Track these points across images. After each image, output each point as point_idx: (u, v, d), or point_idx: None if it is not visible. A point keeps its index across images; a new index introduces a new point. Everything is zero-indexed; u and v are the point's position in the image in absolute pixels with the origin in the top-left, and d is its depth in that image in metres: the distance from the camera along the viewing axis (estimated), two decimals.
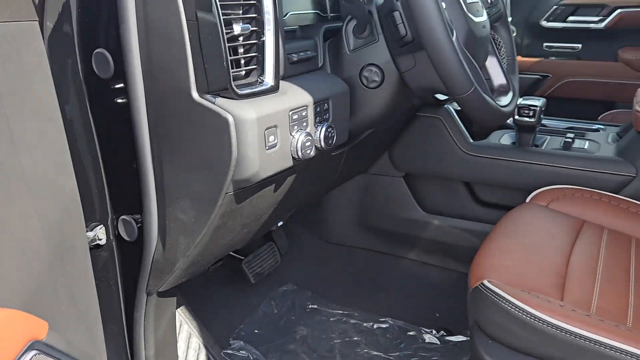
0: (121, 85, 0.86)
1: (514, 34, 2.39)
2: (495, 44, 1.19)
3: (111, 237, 0.97)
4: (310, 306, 1.58)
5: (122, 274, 1.00)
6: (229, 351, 1.38)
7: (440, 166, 1.50)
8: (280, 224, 1.36)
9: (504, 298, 0.85)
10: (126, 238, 0.97)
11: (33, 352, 0.56)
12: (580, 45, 2.39)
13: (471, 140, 1.45)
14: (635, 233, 1.15)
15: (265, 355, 1.39)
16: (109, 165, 0.93)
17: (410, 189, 1.59)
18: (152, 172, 0.89)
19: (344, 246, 1.75)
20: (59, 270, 0.77)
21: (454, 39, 0.89)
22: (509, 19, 2.25)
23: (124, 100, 0.87)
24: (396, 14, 0.95)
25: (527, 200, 1.26)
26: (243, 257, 1.46)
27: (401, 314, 1.51)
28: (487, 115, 0.94)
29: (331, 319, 1.53)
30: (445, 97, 1.45)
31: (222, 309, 1.47)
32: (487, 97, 0.92)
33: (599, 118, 2.08)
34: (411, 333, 1.46)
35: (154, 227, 0.93)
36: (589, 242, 1.08)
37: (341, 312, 1.55)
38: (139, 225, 0.95)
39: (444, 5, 0.90)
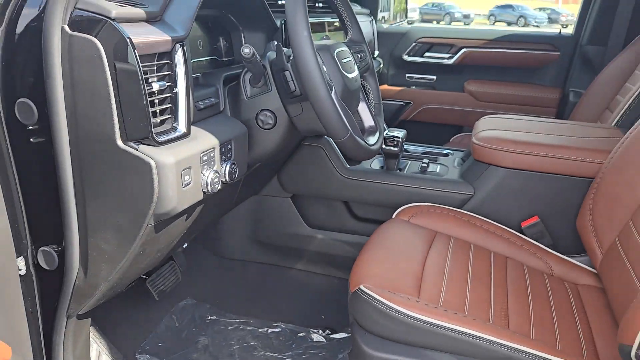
0: (43, 130, 0.96)
1: (381, 66, 2.74)
2: (365, 91, 1.45)
3: (30, 268, 1.06)
4: (209, 317, 1.73)
5: (41, 301, 1.08)
6: None
7: (322, 187, 1.73)
8: (185, 245, 1.50)
9: (376, 299, 1.09)
10: (46, 267, 1.06)
11: None
12: (435, 77, 2.80)
13: (347, 165, 1.70)
14: (474, 240, 1.47)
15: None
16: (29, 200, 1.02)
17: (296, 207, 1.81)
18: (75, 208, 1.00)
19: (238, 261, 1.92)
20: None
21: (333, 94, 1.12)
22: (376, 53, 2.58)
23: (45, 144, 0.97)
24: (287, 73, 1.16)
25: (393, 216, 1.53)
26: (147, 277, 1.57)
27: (291, 319, 1.72)
28: (359, 153, 1.18)
29: (229, 328, 1.69)
30: None
31: (127, 326, 1.56)
32: (359, 140, 1.16)
33: (450, 140, 2.47)
34: (301, 334, 1.67)
35: (75, 256, 1.04)
36: (439, 249, 1.37)
37: (238, 320, 1.72)
38: (58, 255, 1.05)
39: (324, 68, 1.13)
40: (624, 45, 2.25)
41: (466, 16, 24.84)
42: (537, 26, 23.22)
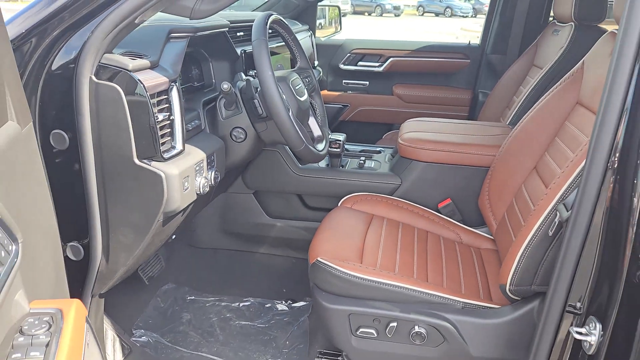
0: (72, 153, 1.25)
1: (321, 74, 3.12)
2: (313, 108, 1.82)
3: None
4: (189, 298, 2.06)
5: (70, 284, 1.38)
6: (135, 338, 1.80)
7: (279, 184, 2.09)
8: (174, 236, 1.81)
9: (330, 266, 1.46)
10: (73, 258, 1.36)
11: (87, 325, 0.99)
12: (367, 82, 3.21)
13: (299, 165, 2.07)
14: (402, 219, 1.88)
15: (162, 337, 1.84)
16: (58, 206, 1.31)
17: (258, 201, 2.17)
18: (98, 211, 1.31)
19: (210, 249, 2.25)
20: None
21: (290, 114, 1.48)
22: (316, 62, 2.96)
23: (72, 163, 1.26)
24: (255, 101, 1.51)
25: (339, 204, 1.91)
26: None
27: (259, 294, 2.08)
28: (311, 158, 1.55)
29: (207, 305, 2.03)
30: None
31: (123, 307, 1.87)
32: (312, 148, 1.53)
33: (383, 137, 2.88)
34: (268, 305, 2.03)
35: (98, 249, 1.34)
36: (375, 228, 1.77)
37: (214, 298, 2.06)
38: (84, 247, 1.36)
39: (284, 96, 1.49)
40: (519, 54, 2.74)
41: (396, 7, 25.64)
42: (464, 16, 24.35)
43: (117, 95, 1.20)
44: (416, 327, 1.41)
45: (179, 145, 1.34)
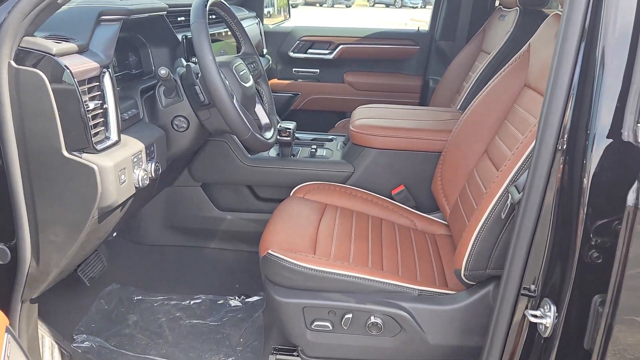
0: None
1: (270, 62, 3.03)
2: (260, 95, 1.74)
3: None
4: (135, 298, 1.95)
5: None
6: (76, 344, 1.69)
7: (227, 175, 2.01)
8: (114, 234, 1.71)
9: (282, 259, 1.40)
10: None
11: (8, 335, 0.90)
12: (318, 70, 3.15)
13: (248, 155, 1.99)
14: (355, 208, 1.84)
15: (107, 341, 1.73)
16: None
17: (206, 194, 2.08)
18: (25, 210, 1.20)
19: (157, 246, 2.15)
20: None
21: (234, 101, 1.40)
22: (265, 50, 2.87)
23: None
24: (197, 87, 1.42)
25: (291, 194, 1.85)
26: (77, 266, 1.76)
27: (210, 290, 1.99)
28: (259, 147, 1.48)
29: (155, 304, 1.93)
30: None
31: (63, 312, 1.75)
32: (259, 136, 1.46)
33: (336, 125, 2.84)
34: (220, 302, 1.95)
35: (27, 250, 1.24)
36: (329, 217, 1.72)
37: (162, 297, 1.96)
38: (11, 250, 1.25)
39: (227, 82, 1.41)
40: (467, 40, 2.74)
41: None
42: (414, 7, 24.63)
43: (40, 82, 1.09)
44: (372, 318, 1.37)
45: (113, 136, 1.25)
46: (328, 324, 1.39)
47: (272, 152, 2.07)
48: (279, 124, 1.96)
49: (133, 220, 2.09)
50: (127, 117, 1.36)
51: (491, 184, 1.32)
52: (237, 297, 1.97)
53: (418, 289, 1.39)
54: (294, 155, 2.04)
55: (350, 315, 1.37)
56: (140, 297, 1.96)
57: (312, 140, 2.23)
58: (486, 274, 1.31)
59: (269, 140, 1.54)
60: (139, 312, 1.89)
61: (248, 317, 1.88)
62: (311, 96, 3.12)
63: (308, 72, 3.16)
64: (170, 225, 2.12)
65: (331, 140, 2.25)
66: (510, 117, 1.59)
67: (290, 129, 1.95)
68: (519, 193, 1.13)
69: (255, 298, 1.97)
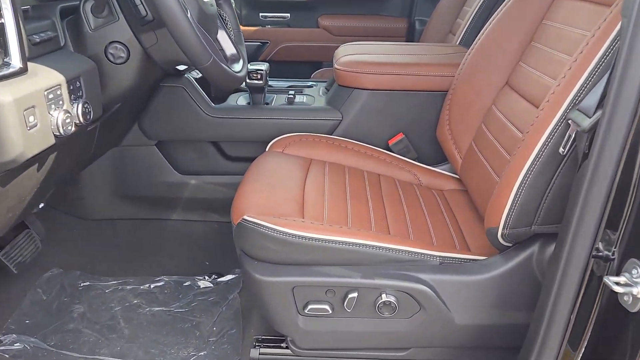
0: None
1: (234, 6, 2.63)
2: (222, 19, 1.37)
3: None
4: (82, 284, 1.59)
5: None
6: (4, 347, 1.33)
7: (188, 130, 1.64)
8: (41, 205, 1.34)
9: (261, 225, 1.07)
10: None
11: None
12: (288, 15, 2.77)
13: (212, 104, 1.63)
14: (347, 162, 1.51)
15: (44, 341, 1.38)
16: None
17: (163, 154, 1.71)
18: None
19: (106, 220, 1.78)
20: None
21: (189, 17, 1.04)
22: None
23: None
24: None
25: (267, 149, 1.51)
26: None
27: (174, 270, 1.65)
28: (226, 80, 1.12)
29: (107, 291, 1.58)
30: (185, 67, 1.59)
31: None
32: (224, 66, 1.10)
33: (312, 76, 2.48)
34: (186, 284, 1.61)
35: None
36: (316, 174, 1.38)
37: (115, 282, 1.61)
38: None
39: None
40: None
41: None
42: None
43: None
44: (383, 296, 1.05)
45: (16, 62, 0.88)
46: (326, 306, 1.07)
47: (242, 101, 1.71)
48: (249, 65, 1.60)
49: (73, 190, 1.71)
50: (38, 40, 0.98)
51: (534, 119, 1.01)
52: (206, 277, 1.64)
53: (439, 256, 1.08)
54: (267, 104, 1.69)
55: (355, 295, 1.05)
56: (87, 284, 1.60)
57: (288, 87, 1.88)
58: (532, 231, 1.01)
59: (238, 74, 1.18)
60: (86, 301, 1.53)
61: (222, 301, 1.55)
62: (282, 44, 2.74)
63: (277, 17, 2.77)
64: (121, 194, 1.75)
65: (310, 86, 1.90)
66: (540, 37, 1.27)
67: (262, 70, 1.59)
68: (591, 116, 0.81)
69: (229, 277, 1.64)
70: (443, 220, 1.29)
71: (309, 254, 1.06)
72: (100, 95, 1.11)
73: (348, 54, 1.68)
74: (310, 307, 1.07)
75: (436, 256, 1.08)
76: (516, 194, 0.97)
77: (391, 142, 1.60)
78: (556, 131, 0.92)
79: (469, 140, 1.41)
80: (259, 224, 1.07)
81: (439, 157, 1.60)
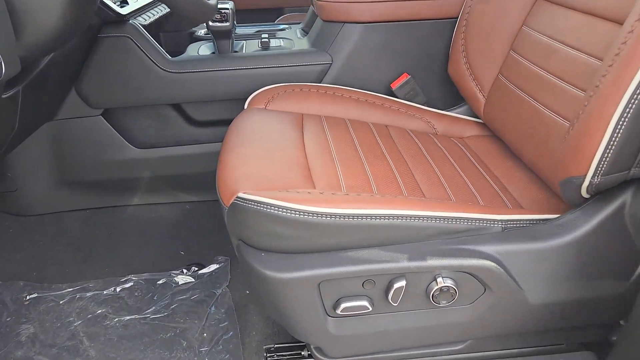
0: None
1: None
2: None
3: None
4: (28, 297, 1.27)
5: None
6: None
7: (141, 92, 1.31)
8: None
9: (265, 203, 0.78)
10: None
11: None
12: None
13: (169, 57, 1.30)
14: (346, 114, 1.23)
15: None
16: None
17: (113, 126, 1.37)
18: None
19: (48, 215, 1.43)
20: None
21: None
22: None
23: None
24: None
25: (246, 106, 1.20)
26: None
27: (143, 267, 1.35)
28: (196, 8, 0.81)
29: (61, 302, 1.26)
30: (129, 12, 1.25)
31: None
32: None
33: (276, 23, 2.15)
34: (161, 281, 1.31)
35: None
36: (313, 131, 1.10)
37: (71, 289, 1.29)
38: None
39: None
40: None
41: None
42: None
43: None
44: (439, 280, 0.79)
45: None
46: (365, 302, 0.80)
47: (205, 50, 1.38)
48: None
49: (1, 180, 1.35)
50: None
51: (629, 33, 0.75)
52: (184, 270, 1.34)
53: (501, 220, 0.83)
54: (237, 52, 1.37)
55: (402, 283, 0.79)
56: (35, 295, 1.27)
57: (256, 32, 1.55)
58: (629, 175, 0.77)
59: (209, 2, 0.86)
60: (36, 319, 1.21)
61: (208, 298, 1.26)
62: None
63: None
64: (65, 181, 1.40)
65: (283, 29, 1.58)
66: None
67: (227, 9, 1.27)
68: None
69: (212, 267, 1.35)
70: (479, 174, 1.04)
71: (336, 235, 0.78)
72: (15, 43, 0.77)
73: None
74: (343, 305, 0.80)
75: (498, 220, 0.83)
76: (614, 132, 0.72)
77: (394, 86, 1.32)
78: None
79: (495, 72, 1.16)
80: (261, 203, 0.78)
81: (451, 99, 1.34)
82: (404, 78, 1.31)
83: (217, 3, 1.00)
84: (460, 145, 1.18)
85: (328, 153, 1.00)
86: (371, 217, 0.78)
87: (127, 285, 1.30)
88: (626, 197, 0.80)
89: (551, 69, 0.96)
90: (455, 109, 1.30)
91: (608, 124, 0.71)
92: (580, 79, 0.87)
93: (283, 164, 0.93)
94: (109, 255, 1.38)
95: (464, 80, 1.22)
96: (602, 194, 0.81)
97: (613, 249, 0.81)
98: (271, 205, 0.78)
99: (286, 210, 0.77)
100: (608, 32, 0.83)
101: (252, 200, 0.79)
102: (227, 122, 1.18)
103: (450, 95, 1.32)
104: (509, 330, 0.87)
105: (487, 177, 1.04)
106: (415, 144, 1.13)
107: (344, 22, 1.29)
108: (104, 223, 1.46)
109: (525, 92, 1.02)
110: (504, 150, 1.14)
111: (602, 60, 0.82)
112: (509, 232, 0.82)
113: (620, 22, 0.81)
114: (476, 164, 1.08)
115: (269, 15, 2.36)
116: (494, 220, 0.82)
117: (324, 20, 1.34)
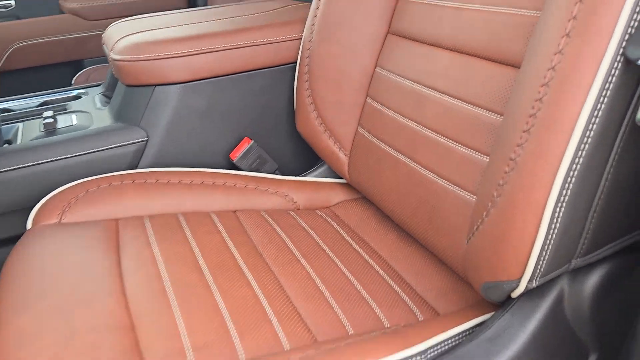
0: None
1: None
2: None
3: None
4: None
5: None
6: None
7: None
8: None
9: None
10: None
11: None
12: (13, 2, 1.93)
13: None
14: (178, 207, 0.92)
15: None
16: None
17: None
18: None
19: None
20: None
21: None
22: None
23: None
24: None
25: (29, 225, 0.83)
26: None
27: None
28: None
29: None
30: None
31: None
32: None
33: (73, 82, 1.76)
34: None
35: None
36: (135, 248, 0.78)
37: None
38: None
39: None
40: None
41: None
42: None
43: None
44: None
45: None
46: None
47: None
48: None
49: None
50: None
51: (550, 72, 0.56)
52: None
53: (419, 352, 0.60)
54: (9, 143, 0.98)
55: None
56: None
57: (39, 106, 1.17)
58: (571, 267, 0.58)
59: None
60: None
61: None
62: (15, 45, 1.90)
63: None
64: None
65: (78, 97, 1.22)
66: None
67: None
68: None
69: None
70: (364, 263, 0.81)
71: None
72: None
73: (127, 34, 1.05)
74: None
75: (417, 354, 0.59)
76: (550, 224, 0.52)
77: (235, 156, 1.04)
78: (608, 87, 0.49)
79: (353, 126, 0.95)
80: None
81: (307, 160, 1.11)
82: (246, 144, 1.04)
83: None
84: (329, 219, 0.95)
85: (158, 285, 0.69)
86: None
87: None
88: (562, 284, 0.62)
89: (427, 123, 0.76)
90: (314, 171, 1.07)
91: (542, 212, 0.52)
92: (474, 138, 0.67)
93: (88, 335, 0.60)
94: None
95: (318, 137, 0.99)
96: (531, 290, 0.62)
97: (557, 353, 0.63)
98: None
99: None
100: (500, 78, 0.65)
101: None
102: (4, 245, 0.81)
103: (305, 156, 1.09)
104: None
105: (373, 262, 0.81)
106: (275, 233, 0.87)
107: (155, 85, 0.98)
108: None
109: (397, 150, 0.82)
110: (382, 216, 0.93)
111: (501, 115, 0.63)
112: None
113: (515, 66, 0.63)
114: (355, 246, 0.86)
115: (64, 70, 1.94)
116: (413, 355, 0.59)
117: (126, 85, 1.02)
